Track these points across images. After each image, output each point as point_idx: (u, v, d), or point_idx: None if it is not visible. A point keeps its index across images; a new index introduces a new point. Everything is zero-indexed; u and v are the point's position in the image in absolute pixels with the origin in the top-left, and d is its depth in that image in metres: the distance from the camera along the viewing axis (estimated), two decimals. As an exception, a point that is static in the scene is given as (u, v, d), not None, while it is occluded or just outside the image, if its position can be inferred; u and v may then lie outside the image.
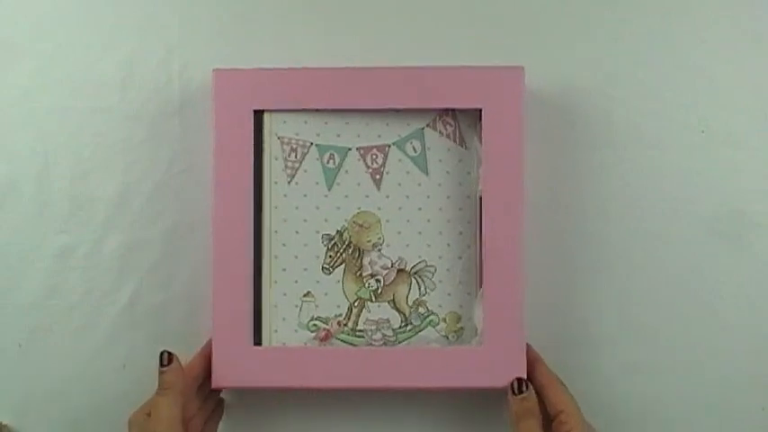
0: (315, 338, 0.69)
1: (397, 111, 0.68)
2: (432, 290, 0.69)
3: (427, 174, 0.68)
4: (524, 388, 0.63)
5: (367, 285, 0.69)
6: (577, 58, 0.72)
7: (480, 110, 0.66)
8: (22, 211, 0.71)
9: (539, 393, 0.64)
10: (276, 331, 0.68)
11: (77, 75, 0.71)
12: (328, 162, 0.69)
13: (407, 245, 0.69)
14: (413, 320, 0.69)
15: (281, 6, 0.72)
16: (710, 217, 0.71)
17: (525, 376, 0.64)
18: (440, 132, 0.68)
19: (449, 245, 0.68)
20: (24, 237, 0.72)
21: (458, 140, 0.68)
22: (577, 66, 0.71)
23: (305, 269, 0.69)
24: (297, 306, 0.69)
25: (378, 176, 0.69)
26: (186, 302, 0.72)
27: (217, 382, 0.66)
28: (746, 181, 0.71)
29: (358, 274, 0.69)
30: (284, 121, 0.68)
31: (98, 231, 0.71)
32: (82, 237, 0.71)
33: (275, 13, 0.72)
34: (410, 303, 0.69)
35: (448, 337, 0.68)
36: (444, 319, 0.69)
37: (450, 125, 0.68)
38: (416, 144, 0.68)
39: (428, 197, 0.68)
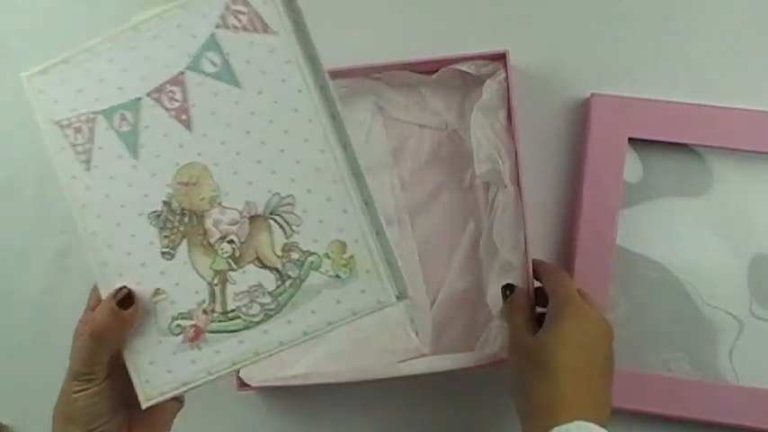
0: (184, 341, 0.52)
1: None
2: (298, 225, 0.51)
3: (239, 86, 0.52)
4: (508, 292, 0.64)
5: (221, 252, 0.52)
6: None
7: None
8: (22, 211, 0.71)
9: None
10: (139, 352, 0.52)
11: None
12: (121, 125, 0.53)
13: (250, 182, 0.52)
14: (289, 273, 0.51)
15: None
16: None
17: None
18: (234, 27, 0.52)
19: (298, 162, 0.51)
20: (24, 237, 0.71)
21: (260, 28, 0.51)
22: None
23: (143, 264, 0.53)
24: (149, 312, 0.52)
25: (184, 116, 0.52)
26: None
27: None
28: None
29: (205, 243, 0.52)
30: (55, 101, 0.54)
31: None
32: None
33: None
34: (279, 253, 0.51)
35: (339, 276, 0.50)
36: (327, 255, 0.50)
37: (243, 12, 0.52)
38: (212, 56, 0.52)
39: (252, 114, 0.51)
